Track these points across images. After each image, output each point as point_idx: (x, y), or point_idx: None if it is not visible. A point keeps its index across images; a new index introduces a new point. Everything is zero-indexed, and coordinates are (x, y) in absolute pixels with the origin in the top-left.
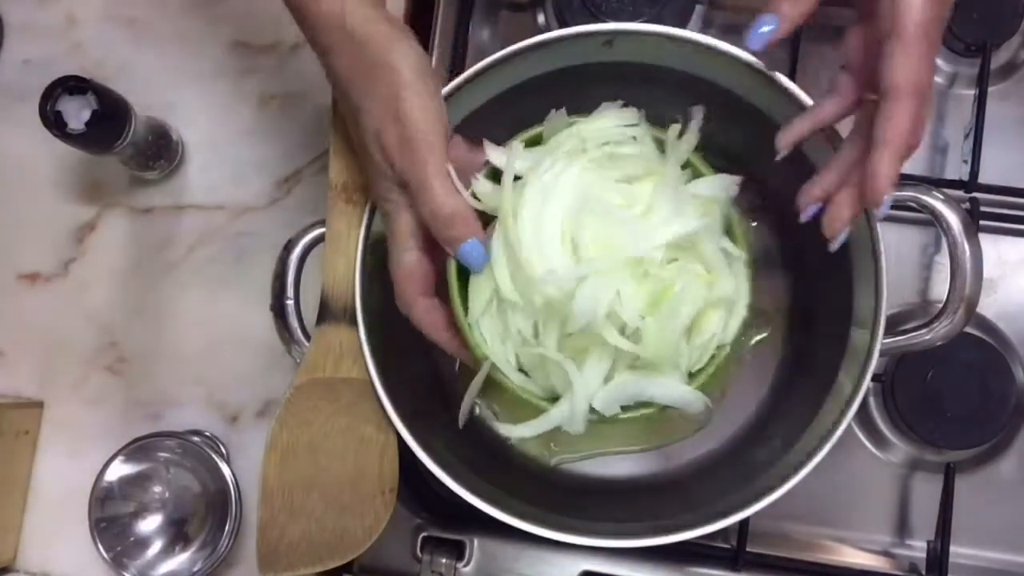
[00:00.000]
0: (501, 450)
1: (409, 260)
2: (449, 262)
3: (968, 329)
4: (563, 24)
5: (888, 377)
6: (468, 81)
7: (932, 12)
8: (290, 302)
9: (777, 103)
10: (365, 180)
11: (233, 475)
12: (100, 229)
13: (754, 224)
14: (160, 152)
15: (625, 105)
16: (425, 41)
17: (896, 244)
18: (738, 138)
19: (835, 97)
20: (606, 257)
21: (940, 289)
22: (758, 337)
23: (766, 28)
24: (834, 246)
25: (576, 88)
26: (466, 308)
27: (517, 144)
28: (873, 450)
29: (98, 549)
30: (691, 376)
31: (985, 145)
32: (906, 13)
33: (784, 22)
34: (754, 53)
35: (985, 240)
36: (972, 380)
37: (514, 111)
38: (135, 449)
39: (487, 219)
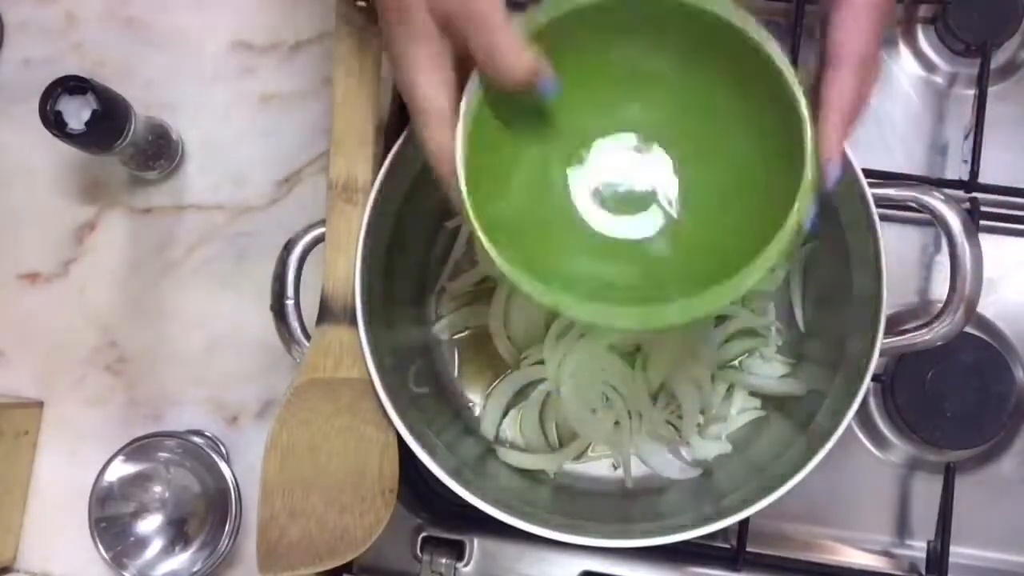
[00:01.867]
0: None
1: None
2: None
3: (968, 329)
4: None
5: (888, 377)
6: None
7: None
8: (290, 302)
9: None
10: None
11: (233, 475)
12: (100, 229)
13: None
14: (160, 152)
15: None
16: None
17: (896, 244)
18: None
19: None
20: None
21: (940, 289)
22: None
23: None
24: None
25: None
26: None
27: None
28: (873, 450)
29: (98, 549)
30: None
31: (985, 145)
32: None
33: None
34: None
35: (985, 240)
36: (972, 380)
37: None
38: (135, 449)
39: None
